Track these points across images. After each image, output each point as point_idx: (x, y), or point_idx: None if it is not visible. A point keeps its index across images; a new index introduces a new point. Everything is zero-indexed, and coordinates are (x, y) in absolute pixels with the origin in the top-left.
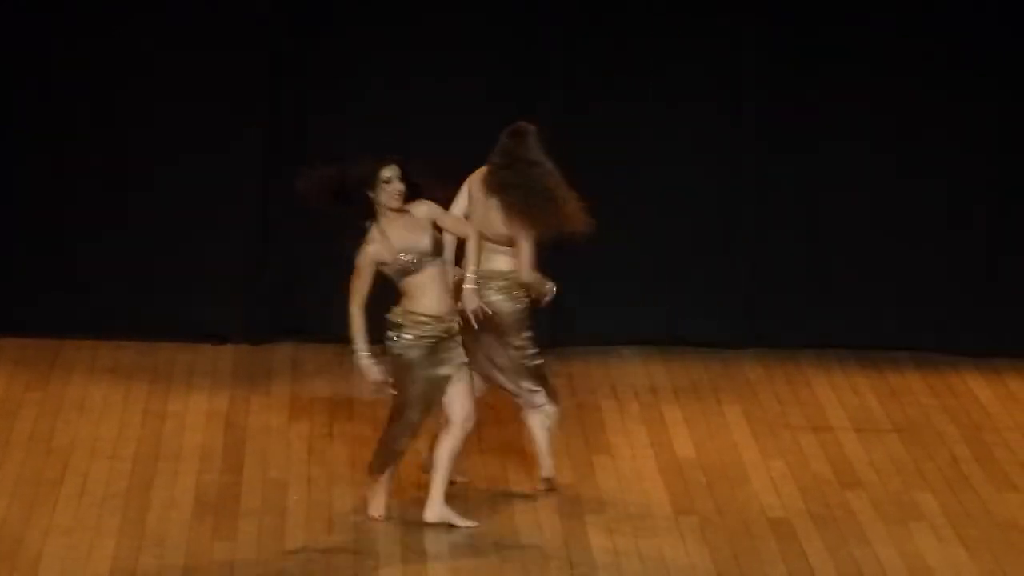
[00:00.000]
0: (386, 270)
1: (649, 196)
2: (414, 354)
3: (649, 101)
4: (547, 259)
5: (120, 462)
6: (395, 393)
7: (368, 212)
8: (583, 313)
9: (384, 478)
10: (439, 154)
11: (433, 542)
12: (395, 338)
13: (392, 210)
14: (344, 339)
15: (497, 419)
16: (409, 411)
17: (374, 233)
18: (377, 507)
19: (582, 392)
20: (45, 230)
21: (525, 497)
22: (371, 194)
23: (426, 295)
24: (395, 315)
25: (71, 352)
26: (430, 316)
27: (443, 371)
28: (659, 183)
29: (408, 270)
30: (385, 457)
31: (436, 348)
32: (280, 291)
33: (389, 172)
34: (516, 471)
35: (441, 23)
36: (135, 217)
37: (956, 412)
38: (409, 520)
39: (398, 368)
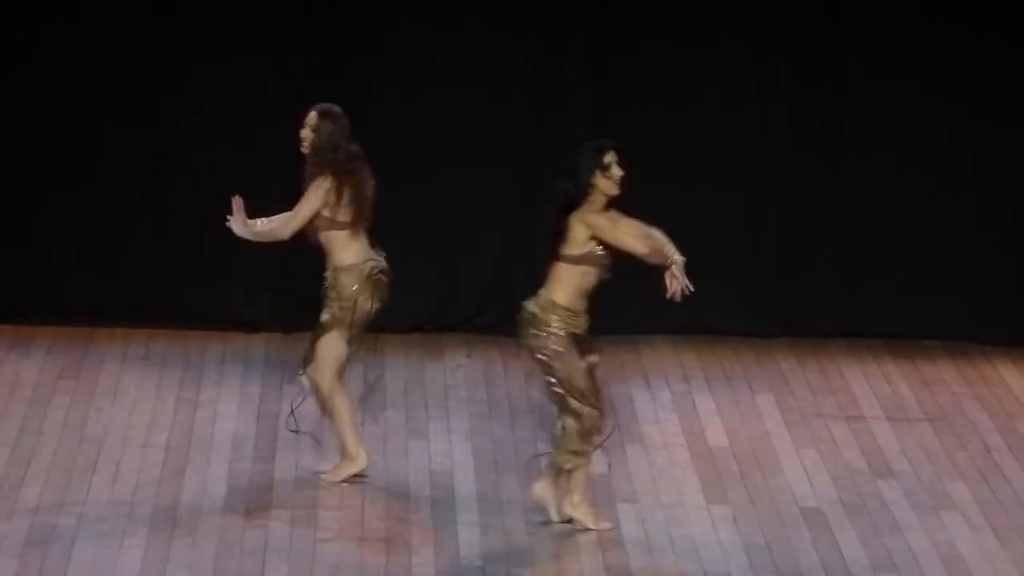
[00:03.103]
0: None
1: (679, 185)
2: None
3: (675, 91)
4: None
5: (153, 450)
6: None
7: (583, 197)
8: (616, 303)
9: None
10: (468, 130)
11: (464, 531)
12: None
13: (609, 196)
14: (374, 328)
15: (529, 406)
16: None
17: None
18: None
19: (614, 381)
20: (77, 219)
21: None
22: (592, 180)
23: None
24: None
25: (103, 340)
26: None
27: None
28: (688, 172)
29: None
30: None
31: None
32: (313, 279)
33: (610, 157)
34: (549, 458)
35: (467, 15)
36: (167, 206)
37: (988, 401)
38: (439, 511)
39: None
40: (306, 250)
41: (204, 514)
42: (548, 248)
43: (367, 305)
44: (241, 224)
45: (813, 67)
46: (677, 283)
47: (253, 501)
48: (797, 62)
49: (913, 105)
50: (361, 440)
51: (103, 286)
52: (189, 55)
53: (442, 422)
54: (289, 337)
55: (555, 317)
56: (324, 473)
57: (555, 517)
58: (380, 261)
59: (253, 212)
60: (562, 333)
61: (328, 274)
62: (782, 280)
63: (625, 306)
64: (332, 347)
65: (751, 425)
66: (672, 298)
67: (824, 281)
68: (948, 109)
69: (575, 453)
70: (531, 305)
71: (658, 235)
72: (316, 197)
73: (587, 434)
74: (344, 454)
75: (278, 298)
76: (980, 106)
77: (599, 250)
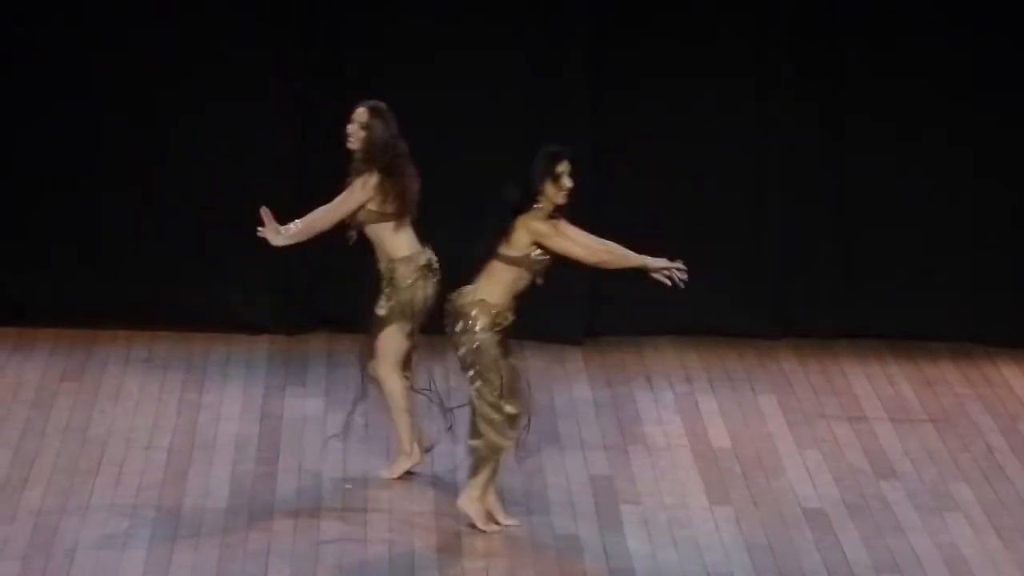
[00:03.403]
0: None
1: (679, 185)
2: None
3: (675, 91)
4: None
5: (156, 452)
6: None
7: (531, 202)
8: (618, 304)
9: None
10: (468, 130)
11: (468, 533)
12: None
13: (557, 206)
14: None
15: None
16: None
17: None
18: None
19: (617, 382)
20: (80, 220)
21: (560, 487)
22: (542, 187)
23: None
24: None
25: (106, 342)
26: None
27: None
28: (688, 172)
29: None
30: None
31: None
32: (316, 281)
33: (563, 167)
34: (552, 460)
35: (470, 15)
36: (168, 207)
37: (991, 402)
38: (442, 513)
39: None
40: (308, 252)
41: (207, 516)
42: (488, 245)
43: (424, 293)
44: (275, 233)
45: (813, 67)
46: (669, 272)
47: (256, 503)
48: (797, 62)
49: (913, 105)
50: (416, 436)
51: (105, 288)
52: (189, 55)
53: (444, 424)
54: (292, 339)
55: (483, 313)
56: (383, 470)
57: (502, 520)
58: (430, 253)
59: (255, 211)
60: (489, 329)
61: (382, 266)
62: (784, 281)
63: (627, 307)
64: (392, 340)
65: (754, 426)
66: (677, 285)
67: (826, 282)
68: (948, 109)
69: (492, 450)
70: (460, 298)
71: (614, 246)
72: (362, 193)
73: (502, 432)
74: (399, 449)
75: (281, 300)
76: (980, 106)
77: (538, 255)
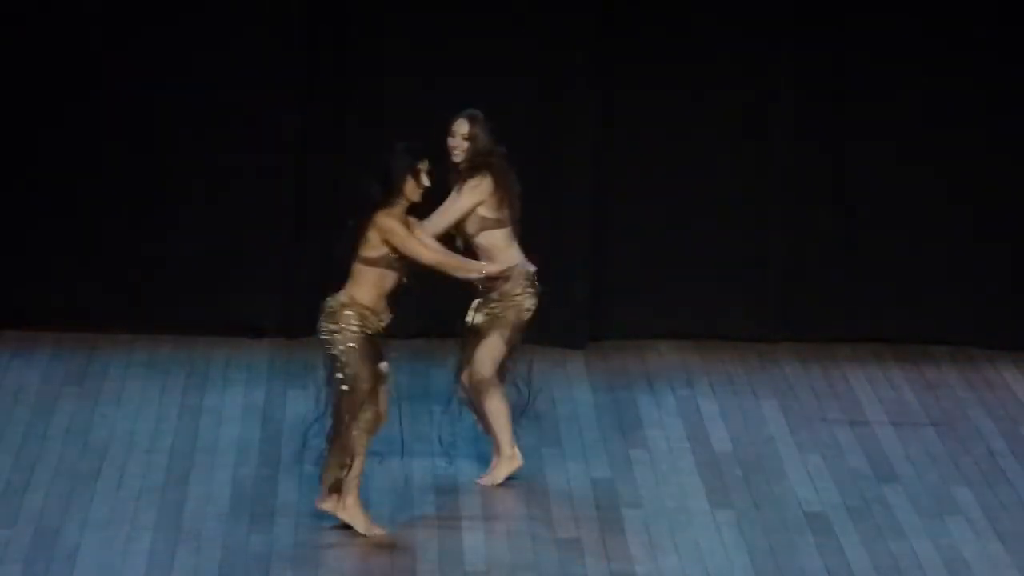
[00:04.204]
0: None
1: (684, 190)
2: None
3: (677, 92)
4: (585, 254)
5: (157, 456)
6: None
7: (389, 199)
8: (620, 307)
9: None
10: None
11: (469, 536)
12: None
13: (412, 203)
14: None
15: (535, 412)
16: None
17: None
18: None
19: (619, 386)
20: (82, 224)
21: (562, 490)
22: (402, 185)
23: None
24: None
25: (108, 346)
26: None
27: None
28: (690, 174)
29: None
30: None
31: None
32: (317, 285)
33: (423, 165)
34: (554, 463)
35: (472, 16)
36: (172, 211)
37: (993, 406)
38: (443, 517)
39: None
40: (311, 255)
41: (208, 520)
42: (348, 247)
43: (530, 303)
44: None
45: (815, 67)
46: (498, 273)
47: (257, 506)
48: (798, 63)
49: (914, 106)
50: (516, 440)
51: (107, 291)
52: (189, 55)
53: (447, 427)
54: (294, 343)
55: (354, 315)
56: (483, 477)
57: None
58: (531, 265)
59: (263, 213)
60: (359, 332)
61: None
62: (785, 284)
63: (629, 311)
64: (492, 348)
65: (755, 430)
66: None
67: (828, 285)
68: (949, 110)
69: (352, 451)
70: (333, 300)
71: (457, 257)
72: (477, 194)
73: (363, 431)
74: (500, 455)
75: (283, 304)
76: (981, 108)
77: (393, 254)
